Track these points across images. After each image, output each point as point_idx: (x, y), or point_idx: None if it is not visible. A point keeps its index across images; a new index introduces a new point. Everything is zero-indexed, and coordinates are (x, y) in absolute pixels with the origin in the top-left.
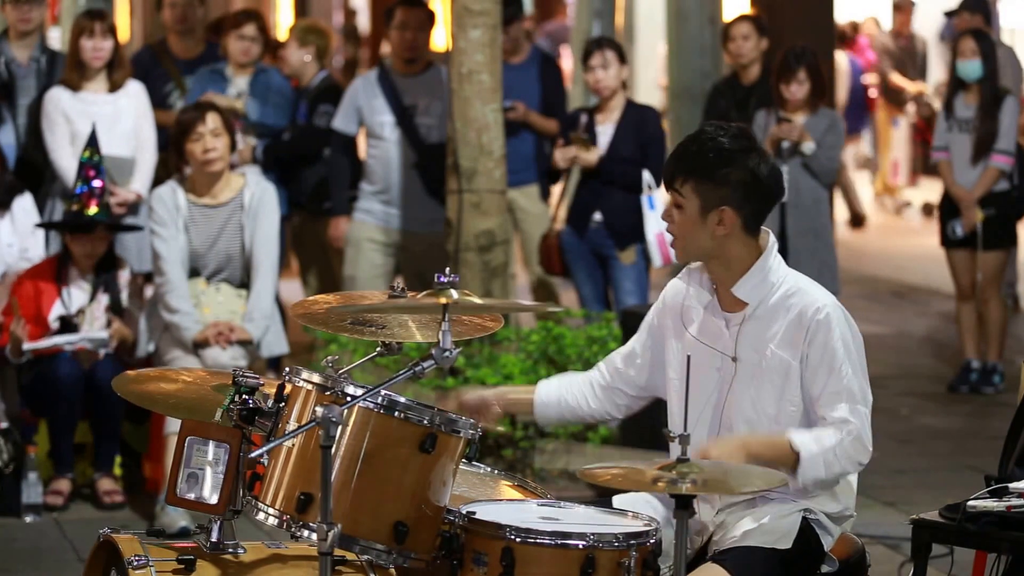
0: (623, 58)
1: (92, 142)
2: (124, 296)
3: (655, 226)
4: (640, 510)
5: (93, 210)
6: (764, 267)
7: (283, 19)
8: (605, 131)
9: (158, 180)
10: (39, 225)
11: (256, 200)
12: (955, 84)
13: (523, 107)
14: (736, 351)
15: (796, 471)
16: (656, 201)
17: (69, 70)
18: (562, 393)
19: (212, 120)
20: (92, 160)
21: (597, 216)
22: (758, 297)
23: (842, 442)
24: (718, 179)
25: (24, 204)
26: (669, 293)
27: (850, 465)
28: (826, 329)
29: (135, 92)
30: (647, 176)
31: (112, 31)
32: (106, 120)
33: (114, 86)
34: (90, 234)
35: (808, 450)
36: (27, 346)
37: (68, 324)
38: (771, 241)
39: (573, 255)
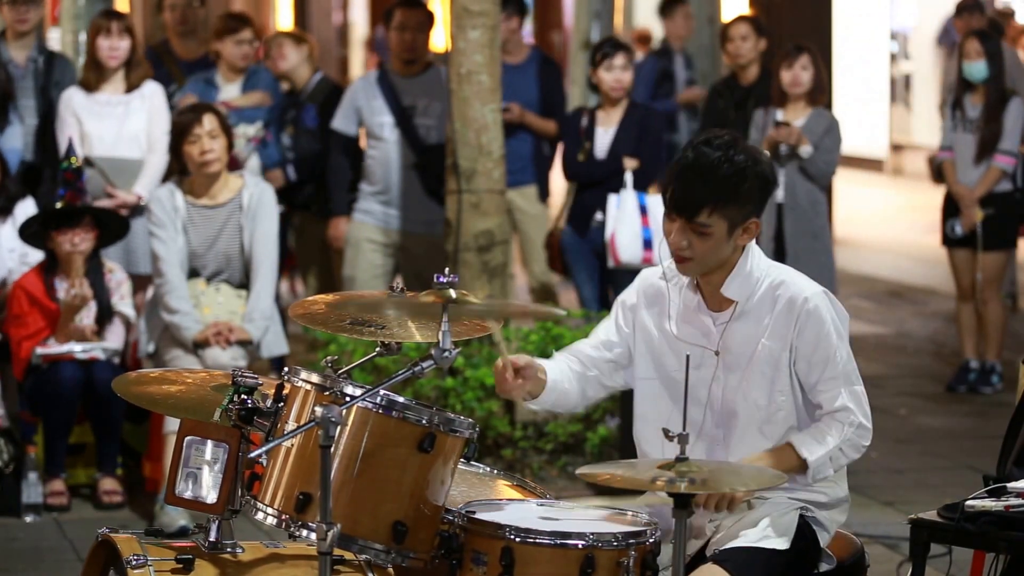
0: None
1: (69, 153)
2: (115, 300)
3: (613, 226)
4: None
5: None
6: (745, 265)
7: (282, 21)
8: (606, 133)
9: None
10: (25, 223)
11: (255, 201)
12: (963, 85)
13: (518, 108)
14: (720, 346)
15: (806, 474)
16: (624, 201)
17: (86, 70)
18: (557, 378)
19: (209, 122)
20: (70, 166)
21: (599, 216)
22: (745, 294)
23: (845, 434)
24: (742, 198)
25: (27, 209)
26: (645, 288)
27: (856, 453)
28: (817, 319)
29: (150, 93)
30: (627, 176)
31: (129, 31)
32: (115, 121)
33: (131, 86)
34: (74, 227)
35: (815, 455)
36: (40, 351)
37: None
38: None
39: (574, 256)
